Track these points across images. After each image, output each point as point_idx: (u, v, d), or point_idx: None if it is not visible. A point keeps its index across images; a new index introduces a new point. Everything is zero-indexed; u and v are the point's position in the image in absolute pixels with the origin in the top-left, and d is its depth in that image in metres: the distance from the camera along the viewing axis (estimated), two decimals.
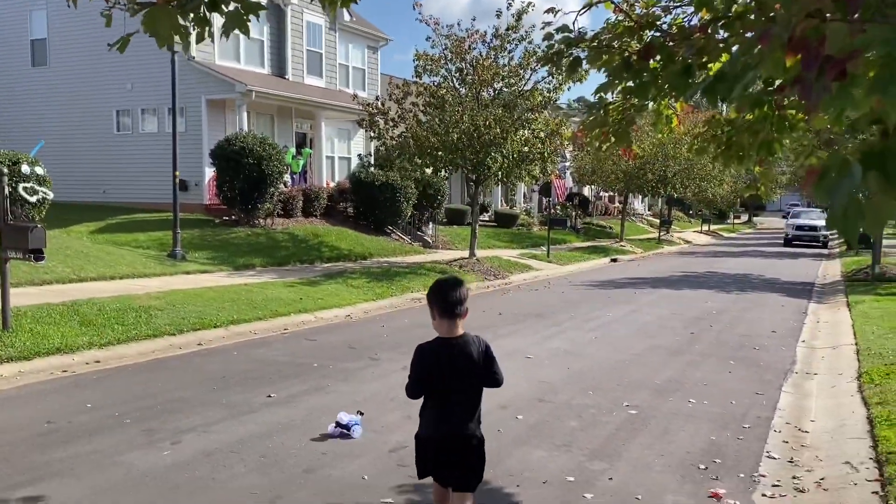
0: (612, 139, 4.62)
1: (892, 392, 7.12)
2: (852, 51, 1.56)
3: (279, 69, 24.48)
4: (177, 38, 3.19)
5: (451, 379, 3.58)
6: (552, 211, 32.23)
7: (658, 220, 44.16)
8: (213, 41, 20.49)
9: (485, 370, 3.63)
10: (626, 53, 3.53)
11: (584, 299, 15.50)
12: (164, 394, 7.15)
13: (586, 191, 44.98)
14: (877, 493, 4.83)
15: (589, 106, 4.77)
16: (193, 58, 21.08)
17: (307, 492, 4.78)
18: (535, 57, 16.91)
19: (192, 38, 3.40)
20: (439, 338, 3.62)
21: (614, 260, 27.04)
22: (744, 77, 1.96)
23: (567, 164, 39.02)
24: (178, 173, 16.65)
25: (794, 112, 3.24)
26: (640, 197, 51.40)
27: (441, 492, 3.79)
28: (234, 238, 18.67)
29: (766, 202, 75.77)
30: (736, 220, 66.76)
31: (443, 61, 18.63)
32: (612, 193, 47.56)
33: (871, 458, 5.52)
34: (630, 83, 3.45)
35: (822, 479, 5.31)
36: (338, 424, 5.94)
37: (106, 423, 6.18)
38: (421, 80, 18.77)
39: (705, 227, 52.07)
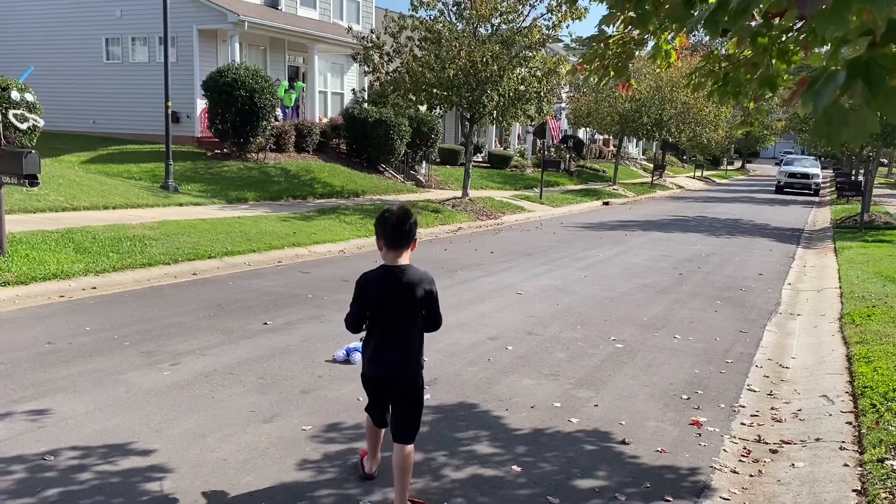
0: (611, 73, 4.64)
1: (871, 332, 7.34)
2: None
3: None
4: None
5: (394, 308, 3.44)
6: (546, 153, 32.09)
7: (651, 165, 44.10)
8: None
9: (425, 308, 3.50)
10: None
11: (575, 240, 15.64)
12: (162, 319, 7.28)
13: (581, 133, 44.71)
14: (850, 423, 5.05)
15: (589, 38, 4.77)
16: None
17: (304, 411, 4.96)
18: None
19: None
20: (384, 265, 3.50)
21: (606, 203, 27.13)
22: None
23: (563, 105, 38.68)
24: (170, 104, 16.46)
25: (792, 47, 3.28)
26: (635, 141, 51.18)
27: (373, 430, 3.82)
28: (227, 171, 18.59)
29: (760, 149, 75.54)
30: (729, 167, 66.71)
31: None
32: (606, 137, 47.31)
33: (847, 392, 5.74)
34: (631, 13, 3.47)
35: (798, 410, 5.53)
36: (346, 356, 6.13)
37: (105, 344, 6.32)
38: (417, 13, 18.43)
39: (698, 173, 52.07)
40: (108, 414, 4.76)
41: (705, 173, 53.52)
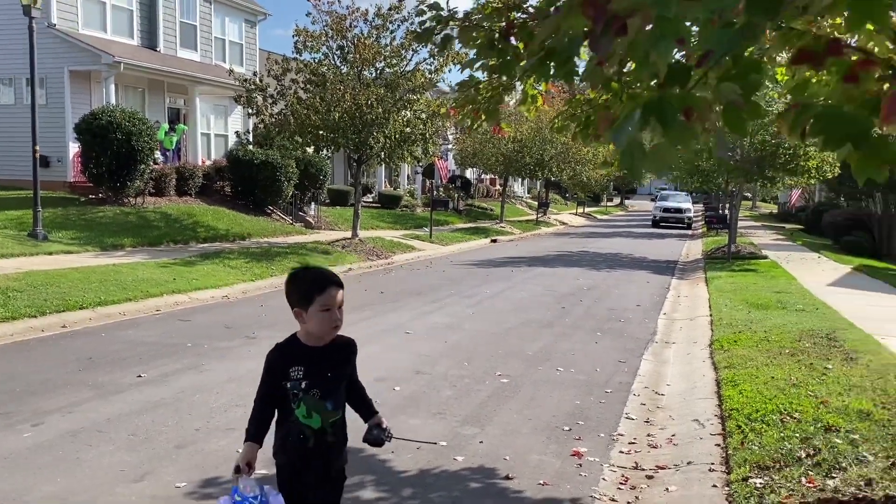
0: (483, 117, 4.80)
1: (737, 357, 7.80)
2: (631, 10, 1.78)
3: (150, 41, 23.31)
4: None
5: None
6: (435, 193, 32.59)
7: (536, 203, 45.53)
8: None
9: None
10: (492, 32, 3.69)
11: (463, 277, 15.86)
12: (24, 377, 6.79)
13: (469, 173, 45.69)
14: (719, 445, 5.32)
15: (461, 84, 4.93)
16: (55, 25, 19.74)
17: (179, 467, 4.73)
18: (409, 35, 17.00)
19: None
20: None
21: (494, 240, 27.71)
22: (568, 51, 2.15)
23: (450, 146, 39.51)
24: (38, 148, 15.58)
25: (641, 91, 3.51)
26: (520, 180, 52.75)
27: None
28: (102, 217, 17.73)
29: (637, 185, 79.50)
30: (609, 203, 69.79)
31: (324, 38, 18.37)
32: (493, 176, 48.55)
33: (716, 416, 6.05)
34: (494, 61, 3.62)
35: (673, 435, 5.78)
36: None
37: None
38: (301, 56, 18.44)
39: (580, 210, 54.13)
40: None
41: (587, 210, 55.70)
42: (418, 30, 4.34)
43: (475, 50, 4.10)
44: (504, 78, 4.42)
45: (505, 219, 35.79)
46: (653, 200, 51.60)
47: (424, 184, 39.60)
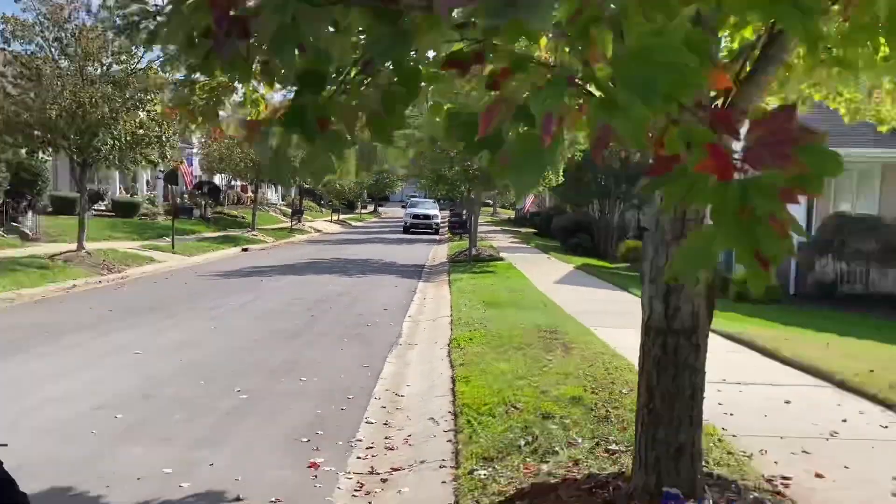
0: (199, 119, 4.52)
1: (471, 354, 8.22)
2: (254, 13, 1.74)
3: None
4: None
5: None
6: (179, 200, 30.64)
7: (291, 210, 44.87)
8: None
9: None
10: (192, 29, 3.46)
11: (207, 290, 15.05)
12: None
13: (217, 179, 43.69)
14: (451, 441, 5.52)
15: (177, 83, 4.61)
16: None
17: None
18: (102, 26, 15.70)
19: None
20: None
21: (246, 249, 26.76)
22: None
23: (195, 150, 37.49)
24: None
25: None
26: (274, 187, 51.59)
27: None
28: None
29: (389, 193, 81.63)
30: (363, 211, 70.88)
31: (38, 28, 16.42)
32: (245, 183, 46.92)
33: (450, 412, 6.29)
34: (195, 60, 3.39)
35: (409, 435, 5.90)
36: None
37: None
38: (10, 47, 16.33)
39: (336, 217, 54.34)
40: None
41: (342, 217, 56.07)
42: (120, 24, 3.96)
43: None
44: (222, 79, 4.19)
45: (257, 227, 34.70)
46: (403, 207, 53.29)
47: (167, 190, 37.11)
